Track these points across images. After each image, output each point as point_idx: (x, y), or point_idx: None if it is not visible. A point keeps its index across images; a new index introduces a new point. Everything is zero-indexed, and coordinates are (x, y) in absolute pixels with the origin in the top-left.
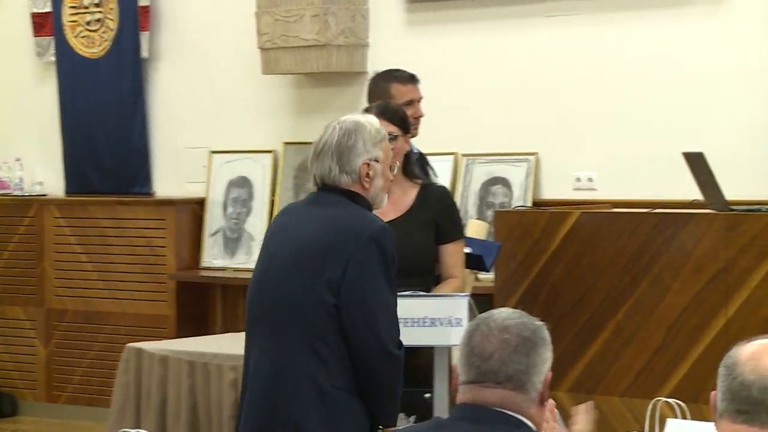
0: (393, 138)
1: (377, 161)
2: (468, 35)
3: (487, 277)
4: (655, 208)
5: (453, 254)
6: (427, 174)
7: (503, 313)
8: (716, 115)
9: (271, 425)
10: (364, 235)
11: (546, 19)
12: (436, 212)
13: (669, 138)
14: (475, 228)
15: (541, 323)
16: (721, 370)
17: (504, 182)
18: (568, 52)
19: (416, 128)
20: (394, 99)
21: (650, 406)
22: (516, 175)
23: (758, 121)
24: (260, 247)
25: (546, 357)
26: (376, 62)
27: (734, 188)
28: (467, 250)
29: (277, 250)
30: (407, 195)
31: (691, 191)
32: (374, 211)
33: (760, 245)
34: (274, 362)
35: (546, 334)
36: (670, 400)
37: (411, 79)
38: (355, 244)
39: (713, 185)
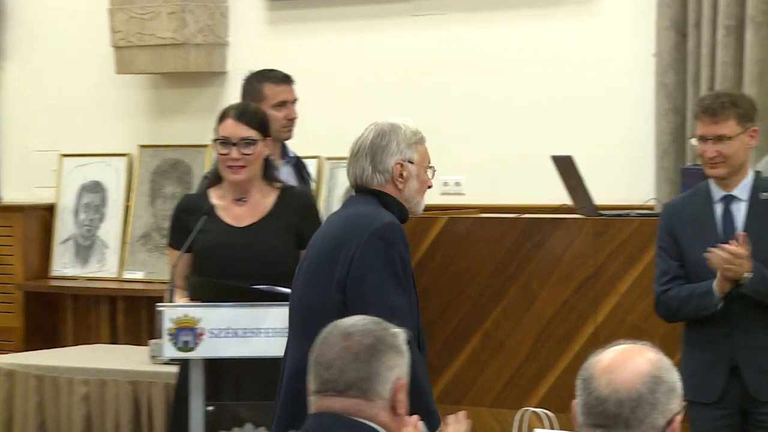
0: (251, 143)
1: (411, 162)
2: (332, 35)
3: None
4: (523, 213)
5: None
6: (304, 179)
7: (350, 321)
8: (585, 118)
9: (297, 423)
10: (368, 231)
11: (412, 18)
12: (297, 217)
13: (538, 141)
14: None
15: (394, 330)
16: (579, 383)
17: None
18: (435, 52)
19: (290, 130)
20: (267, 99)
21: (518, 417)
22: None
23: (627, 124)
24: None
25: (393, 364)
26: (237, 62)
27: (603, 192)
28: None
29: (305, 256)
30: (266, 199)
31: (560, 195)
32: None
33: (629, 251)
34: (294, 362)
35: (396, 341)
36: (538, 410)
37: (285, 79)
38: (358, 241)
39: (582, 189)
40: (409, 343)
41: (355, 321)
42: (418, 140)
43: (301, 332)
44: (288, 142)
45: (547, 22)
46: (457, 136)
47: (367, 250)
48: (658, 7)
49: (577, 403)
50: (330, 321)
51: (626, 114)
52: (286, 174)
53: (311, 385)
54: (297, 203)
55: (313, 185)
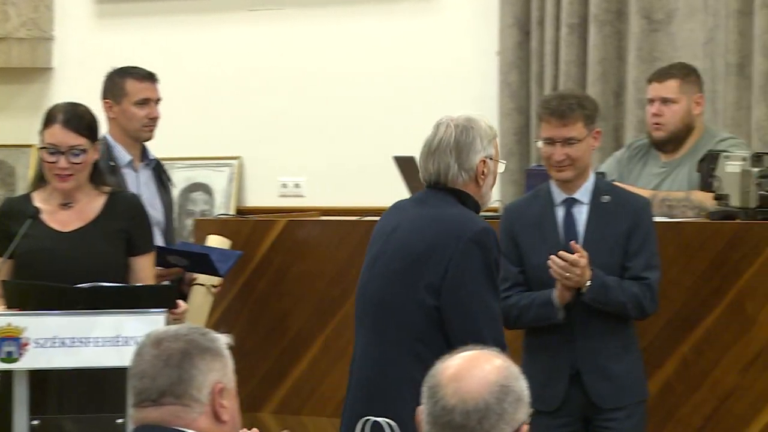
0: (80, 152)
1: (491, 159)
2: (165, 29)
3: None
4: (365, 216)
5: (145, 268)
6: (164, 183)
7: (162, 328)
8: (428, 117)
9: (372, 410)
10: (465, 236)
11: (249, 13)
12: (126, 222)
13: (380, 141)
14: (216, 243)
15: (212, 335)
16: (425, 390)
17: (205, 188)
18: (272, 49)
19: (152, 130)
20: (128, 96)
21: (359, 426)
22: (218, 180)
23: None
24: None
25: (209, 367)
26: (63, 57)
27: None
28: (200, 249)
29: (383, 249)
30: (93, 203)
31: (403, 197)
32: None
33: None
34: (376, 362)
35: (213, 344)
36: (380, 419)
37: (148, 76)
38: (455, 246)
39: None
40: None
41: (167, 328)
42: (494, 135)
43: (376, 326)
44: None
45: (387, 18)
46: (297, 136)
47: (465, 257)
48: (501, 4)
49: (423, 411)
50: (417, 322)
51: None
52: (145, 178)
53: (129, 399)
54: (125, 207)
55: (173, 189)
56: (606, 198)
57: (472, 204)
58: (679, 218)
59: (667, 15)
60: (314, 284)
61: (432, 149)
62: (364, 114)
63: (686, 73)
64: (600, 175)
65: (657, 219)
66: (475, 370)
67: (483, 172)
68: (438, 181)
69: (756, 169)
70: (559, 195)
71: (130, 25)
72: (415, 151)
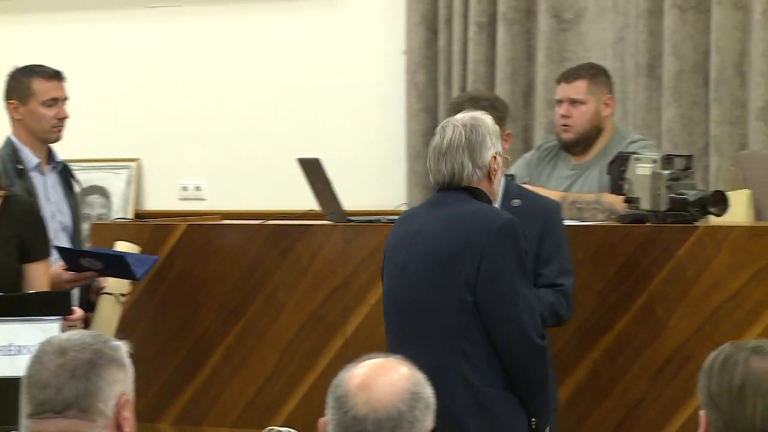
0: None
1: (500, 154)
2: (59, 27)
3: None
4: (268, 219)
5: (40, 275)
6: (71, 186)
7: (65, 336)
8: (333, 118)
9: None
10: (493, 228)
11: (146, 10)
12: (21, 227)
13: (283, 143)
14: (126, 249)
15: (114, 343)
16: (332, 400)
17: (102, 191)
18: (171, 46)
19: (60, 131)
20: (35, 96)
21: None
22: (115, 183)
23: (376, 125)
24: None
25: (115, 378)
26: None
27: (352, 197)
28: (115, 251)
29: (410, 255)
30: None
31: (308, 200)
32: None
33: (379, 259)
34: (427, 368)
35: (117, 353)
36: (283, 429)
37: (56, 75)
38: (485, 239)
39: (330, 194)
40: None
41: (69, 336)
42: (498, 130)
43: (419, 332)
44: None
45: (291, 16)
46: (197, 137)
47: (495, 249)
48: (408, 2)
49: (328, 421)
50: (459, 320)
51: (376, 114)
52: (52, 181)
53: (25, 409)
54: (21, 213)
55: (77, 191)
56: (516, 202)
57: (486, 200)
58: (589, 221)
59: (577, 14)
60: (216, 290)
61: (443, 151)
62: (267, 115)
63: (595, 73)
64: (509, 178)
65: (567, 222)
66: (384, 378)
67: (494, 168)
68: (452, 181)
69: (666, 172)
70: None
71: (22, 22)
72: (320, 153)
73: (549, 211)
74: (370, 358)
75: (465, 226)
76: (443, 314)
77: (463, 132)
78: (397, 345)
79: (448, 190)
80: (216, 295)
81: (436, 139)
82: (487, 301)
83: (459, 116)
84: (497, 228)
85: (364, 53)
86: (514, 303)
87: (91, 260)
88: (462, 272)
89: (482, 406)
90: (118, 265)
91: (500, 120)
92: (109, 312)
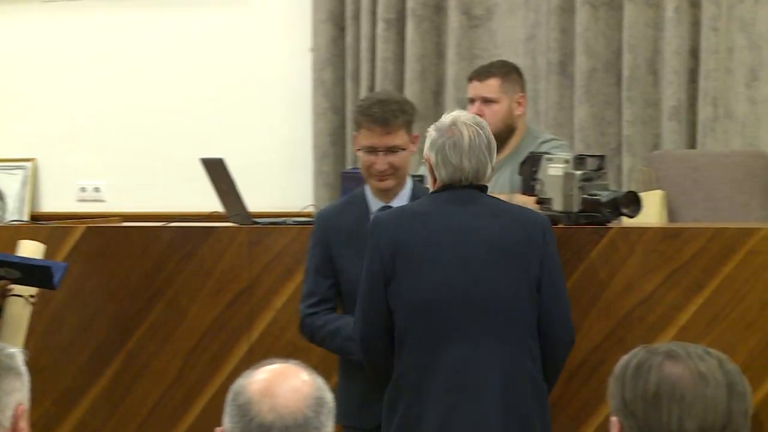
0: None
1: None
2: None
3: None
4: (171, 222)
5: None
6: None
7: None
8: (237, 117)
9: (504, 426)
10: (544, 226)
11: (41, 5)
12: None
13: (186, 142)
14: (31, 249)
15: (10, 351)
16: (233, 408)
17: None
18: (70, 43)
19: None
20: None
21: None
22: (10, 184)
23: (282, 124)
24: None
25: (12, 388)
26: None
27: (258, 198)
28: (41, 261)
29: (469, 252)
30: None
31: (212, 202)
32: None
33: (286, 262)
34: (499, 365)
35: (14, 362)
36: None
37: None
38: (542, 238)
39: (235, 195)
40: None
41: None
42: None
43: (488, 330)
44: None
45: (194, 12)
46: (96, 136)
47: (551, 248)
48: None
49: (229, 430)
50: (528, 317)
51: (282, 113)
52: None
53: None
54: None
55: None
56: None
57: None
58: None
59: (487, 11)
60: (116, 294)
61: (466, 148)
62: (169, 113)
63: (507, 71)
64: (417, 179)
65: None
66: (287, 384)
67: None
68: (475, 177)
69: (579, 172)
70: (375, 203)
71: None
72: (224, 152)
73: None
74: (267, 364)
75: (519, 223)
76: (518, 310)
77: (478, 131)
78: (443, 342)
79: (472, 188)
80: (116, 300)
81: (454, 137)
82: (549, 300)
83: (462, 116)
84: (547, 225)
85: (269, 51)
86: (566, 304)
87: (8, 269)
88: (529, 269)
89: (541, 402)
90: (38, 275)
91: (409, 124)
92: (19, 315)
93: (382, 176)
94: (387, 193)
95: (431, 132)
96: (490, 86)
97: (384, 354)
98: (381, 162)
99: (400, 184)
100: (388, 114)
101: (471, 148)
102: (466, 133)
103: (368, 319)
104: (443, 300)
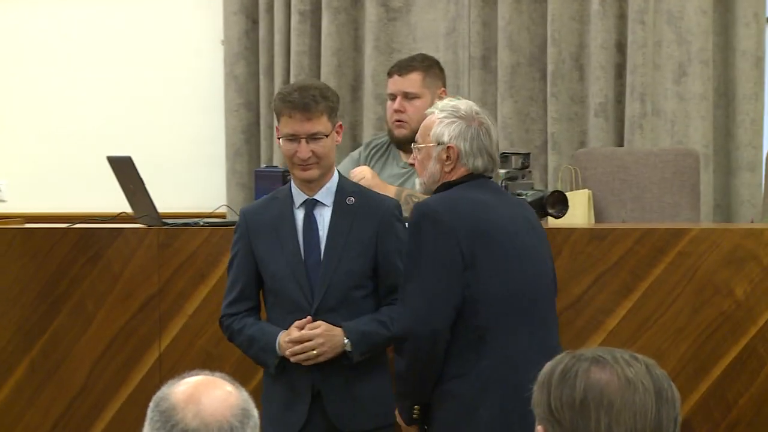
0: None
1: None
2: None
3: None
4: (76, 223)
5: None
6: None
7: None
8: (146, 113)
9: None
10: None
11: None
12: None
13: (92, 140)
14: None
15: None
16: (155, 415)
17: None
18: None
19: None
20: None
21: None
22: None
23: (193, 121)
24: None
25: None
26: None
27: (168, 198)
28: None
29: (531, 243)
30: None
31: (120, 202)
32: None
33: (198, 265)
34: (550, 353)
35: None
36: None
37: None
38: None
39: (143, 195)
40: None
41: None
42: None
43: (541, 318)
44: None
45: (100, 3)
46: None
47: None
48: None
49: None
50: (551, 307)
51: (193, 109)
52: None
53: None
54: None
55: None
56: (351, 199)
57: None
58: None
59: (406, 3)
60: (18, 299)
61: (494, 137)
62: (74, 109)
63: (429, 65)
64: (407, 169)
65: None
66: (214, 392)
67: None
68: (493, 172)
69: (502, 171)
70: (299, 196)
71: None
72: (132, 151)
73: (387, 209)
74: (191, 376)
75: (531, 210)
76: (547, 301)
77: (489, 121)
78: (527, 332)
79: (490, 179)
80: (18, 305)
81: (483, 126)
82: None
83: (474, 106)
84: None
85: (179, 44)
86: None
87: None
88: (549, 260)
89: None
90: None
91: (332, 110)
92: None
93: (305, 166)
94: (312, 186)
95: (450, 120)
96: (412, 81)
97: (444, 349)
98: (303, 150)
99: (326, 176)
100: (309, 99)
101: (494, 142)
102: (489, 121)
103: (439, 309)
104: (526, 290)
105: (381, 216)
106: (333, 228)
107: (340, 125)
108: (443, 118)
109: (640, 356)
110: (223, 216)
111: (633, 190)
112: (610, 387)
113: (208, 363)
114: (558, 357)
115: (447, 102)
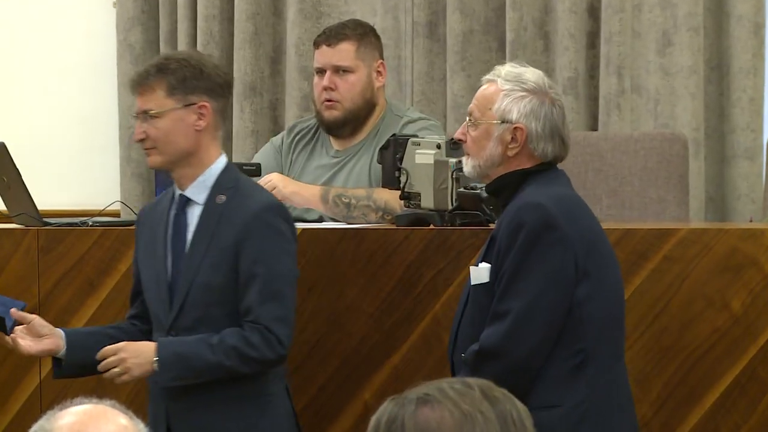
0: None
1: None
2: None
3: None
4: None
5: None
6: None
7: None
8: (22, 92)
9: None
10: None
11: None
12: None
13: None
14: None
15: None
16: None
17: None
18: None
19: None
20: None
21: None
22: None
23: (76, 101)
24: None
25: None
26: None
27: (51, 193)
28: None
29: (611, 250)
30: None
31: None
32: None
33: (87, 272)
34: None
35: None
36: None
37: None
38: None
39: (20, 189)
40: None
41: None
42: None
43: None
44: None
45: None
46: None
47: None
48: None
49: None
50: None
51: (79, 85)
52: None
53: None
54: None
55: None
56: (222, 197)
57: None
58: (358, 223)
59: None
60: None
61: (566, 121)
62: None
63: (363, 33)
64: (252, 168)
65: (329, 225)
66: (105, 427)
67: None
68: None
69: (453, 160)
70: (176, 192)
71: None
72: (5, 135)
73: (252, 212)
74: (74, 405)
75: None
76: None
77: None
78: (612, 357)
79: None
80: None
81: (558, 101)
82: None
83: (544, 76)
84: None
85: (60, 5)
86: None
87: None
88: None
89: None
90: None
91: (171, 85)
92: None
93: (143, 149)
94: (180, 179)
95: (519, 93)
96: (343, 52)
97: (535, 375)
98: (136, 131)
99: (183, 164)
100: (142, 74)
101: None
102: (562, 98)
103: (541, 327)
104: (622, 308)
105: (245, 219)
106: (197, 233)
107: (203, 105)
108: (510, 90)
109: (473, 380)
110: (116, 214)
111: (609, 183)
112: (444, 427)
113: (100, 390)
114: (382, 406)
115: (510, 69)
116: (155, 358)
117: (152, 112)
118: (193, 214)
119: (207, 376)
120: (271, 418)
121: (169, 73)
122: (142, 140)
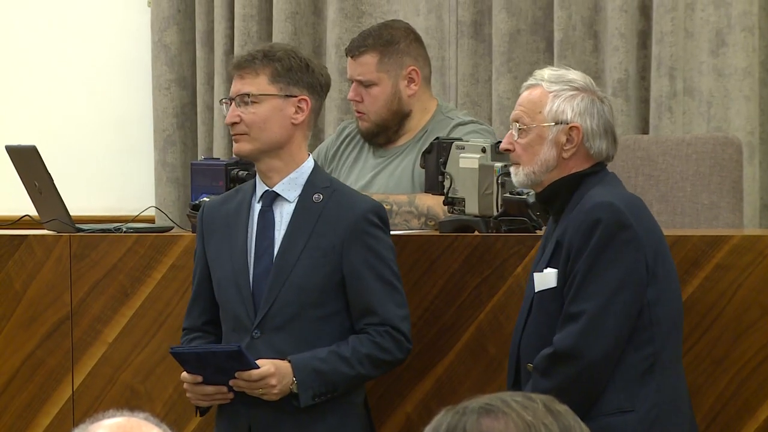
0: None
1: None
2: None
3: None
4: None
5: None
6: None
7: None
8: (54, 95)
9: None
10: None
11: None
12: None
13: None
14: None
15: None
16: None
17: None
18: None
19: None
20: None
21: None
22: None
23: (110, 104)
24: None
25: None
26: None
27: (83, 198)
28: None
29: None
30: None
31: (23, 203)
32: None
33: (120, 281)
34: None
35: None
36: None
37: None
38: None
39: (52, 194)
40: None
41: None
42: None
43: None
44: None
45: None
46: None
47: None
48: None
49: None
50: None
51: (113, 88)
52: None
53: None
54: None
55: None
56: (319, 196)
57: None
58: (400, 229)
59: None
60: None
61: (614, 119)
62: None
63: (387, 42)
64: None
65: None
66: None
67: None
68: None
69: (498, 164)
70: (260, 187)
71: None
72: (37, 139)
73: (360, 214)
74: (107, 417)
75: None
76: None
77: None
78: (676, 361)
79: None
80: None
81: (606, 100)
82: None
83: (586, 76)
84: None
85: (94, 6)
86: None
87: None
88: None
89: None
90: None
91: (276, 71)
92: None
93: (233, 134)
94: (267, 173)
95: (570, 92)
96: (365, 66)
97: (607, 378)
98: (230, 113)
99: (273, 156)
100: (247, 57)
101: None
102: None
103: (616, 330)
104: (682, 311)
105: (351, 220)
106: (291, 230)
107: (303, 98)
108: (559, 90)
109: (534, 395)
110: (151, 220)
111: (660, 188)
112: None
113: (134, 402)
114: (437, 416)
115: (551, 71)
116: (293, 379)
117: (252, 95)
118: (283, 212)
119: (343, 389)
120: (352, 428)
121: (275, 60)
122: (234, 124)
